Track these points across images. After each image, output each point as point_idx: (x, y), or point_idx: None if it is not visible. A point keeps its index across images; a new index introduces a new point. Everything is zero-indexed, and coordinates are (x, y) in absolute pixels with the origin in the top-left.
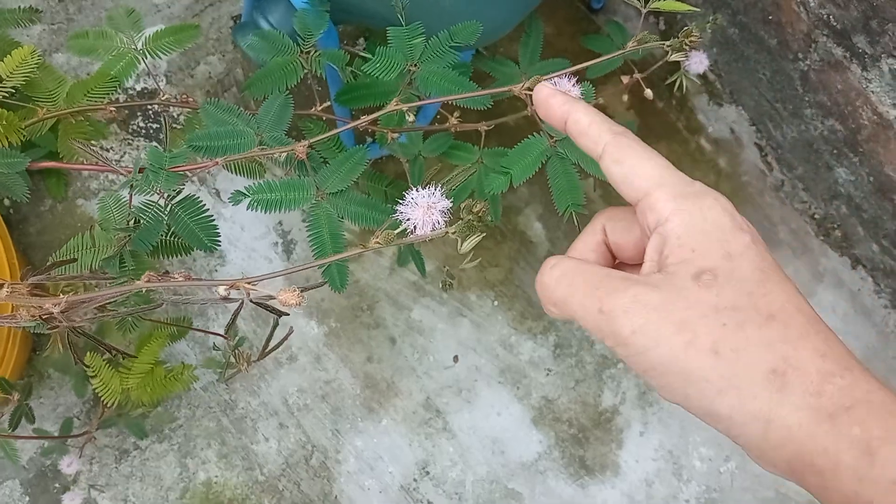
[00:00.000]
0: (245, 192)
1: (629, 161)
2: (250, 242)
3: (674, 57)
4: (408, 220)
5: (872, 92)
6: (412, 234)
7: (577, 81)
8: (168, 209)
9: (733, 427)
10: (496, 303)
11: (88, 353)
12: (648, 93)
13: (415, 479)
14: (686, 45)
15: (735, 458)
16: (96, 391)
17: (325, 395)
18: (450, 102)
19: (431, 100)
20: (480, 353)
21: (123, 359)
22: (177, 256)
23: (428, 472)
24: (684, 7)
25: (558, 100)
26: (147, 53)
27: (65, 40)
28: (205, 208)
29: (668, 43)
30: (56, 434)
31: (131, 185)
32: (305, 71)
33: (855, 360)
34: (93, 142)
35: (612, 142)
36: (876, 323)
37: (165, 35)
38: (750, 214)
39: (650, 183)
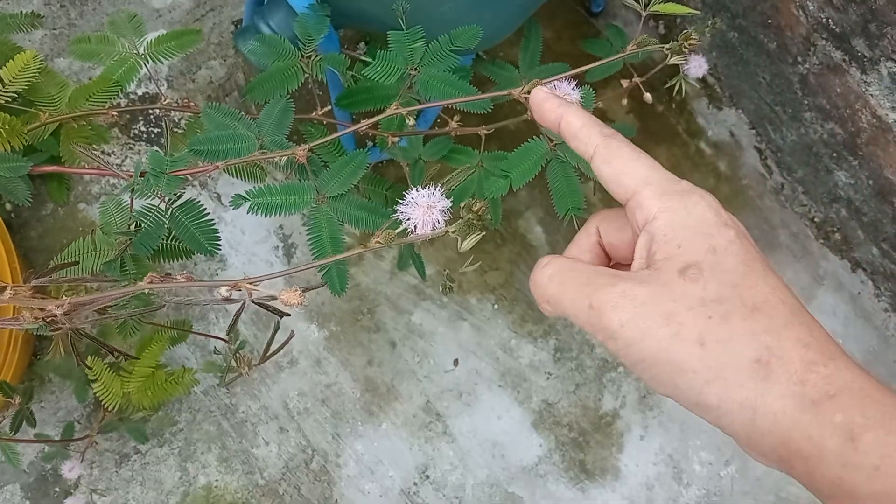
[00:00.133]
0: (246, 195)
1: (618, 162)
2: (251, 246)
3: (673, 60)
4: (408, 219)
5: (872, 95)
6: (412, 233)
7: (576, 85)
8: (169, 213)
9: (722, 416)
10: (496, 306)
11: (90, 357)
12: (648, 97)
13: (415, 483)
14: (685, 48)
15: (735, 463)
16: (97, 395)
17: (325, 398)
18: (450, 106)
19: (432, 103)
20: (481, 357)
21: (125, 360)
22: (178, 260)
23: (428, 476)
24: (683, 10)
25: (552, 103)
26: (149, 58)
27: (66, 45)
28: (206, 212)
29: (667, 46)
30: (57, 438)
31: (132, 189)
32: (306, 75)
33: (838, 349)
34: (94, 146)
35: (602, 144)
36: (876, 326)
37: (167, 40)
38: (750, 218)
39: (638, 182)
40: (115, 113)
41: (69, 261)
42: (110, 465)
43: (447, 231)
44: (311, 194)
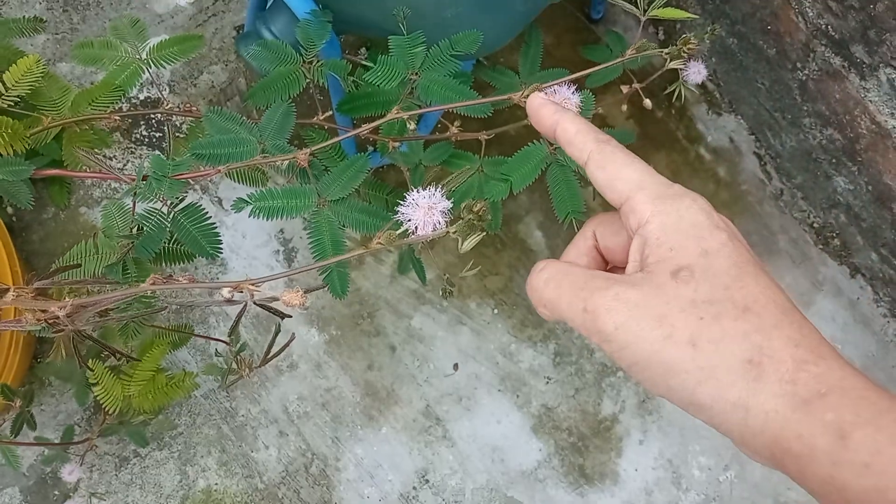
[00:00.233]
0: (248, 199)
1: (611, 167)
2: (252, 250)
3: (672, 64)
4: (409, 220)
5: (871, 101)
6: (414, 234)
7: (576, 90)
8: (171, 216)
9: (715, 416)
10: (496, 311)
11: (90, 360)
12: (648, 102)
13: (414, 488)
14: (684, 52)
15: (734, 468)
16: (98, 398)
17: (325, 402)
18: (451, 111)
19: (432, 108)
20: (480, 361)
21: (127, 363)
22: (179, 263)
23: (427, 481)
24: (683, 15)
25: (548, 109)
26: (151, 63)
27: (69, 50)
28: (207, 216)
29: (666, 50)
30: (57, 441)
31: (135, 193)
32: (307, 80)
33: (829, 348)
34: (96, 150)
35: (596, 149)
36: (875, 332)
37: (170, 45)
38: (749, 223)
39: (631, 186)
40: (117, 117)
41: (71, 263)
42: (110, 469)
43: (448, 232)
44: (312, 198)
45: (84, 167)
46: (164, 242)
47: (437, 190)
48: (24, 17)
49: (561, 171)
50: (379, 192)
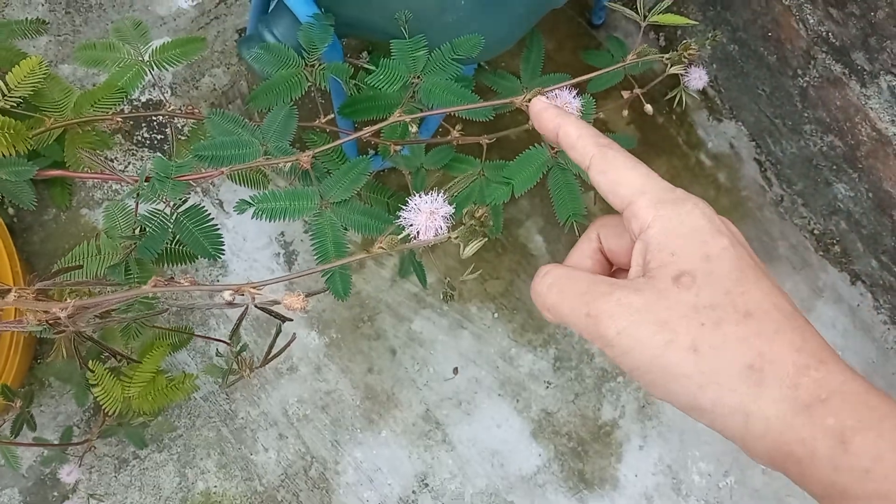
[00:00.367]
0: (250, 200)
1: (613, 171)
2: (252, 253)
3: (673, 70)
4: (411, 225)
5: (871, 108)
6: (415, 238)
7: (577, 94)
8: (174, 218)
9: (716, 420)
10: (496, 315)
11: (91, 361)
12: (648, 108)
13: (413, 492)
14: (685, 57)
15: (734, 474)
16: (98, 399)
17: (325, 405)
18: (452, 115)
19: (434, 111)
20: (480, 366)
21: (127, 365)
22: (181, 265)
23: (427, 485)
24: (683, 20)
25: (550, 113)
26: (153, 65)
27: (71, 51)
28: (210, 217)
29: (666, 56)
30: (56, 442)
31: (137, 194)
32: (309, 84)
33: (831, 353)
34: (98, 152)
35: (597, 154)
36: (875, 338)
37: (172, 47)
38: (749, 229)
39: (633, 191)
40: (119, 119)
41: (73, 264)
42: (109, 470)
43: (450, 237)
44: (314, 200)
45: (86, 168)
46: (167, 243)
47: (440, 195)
48: (26, 18)
49: (562, 174)
50: (380, 196)
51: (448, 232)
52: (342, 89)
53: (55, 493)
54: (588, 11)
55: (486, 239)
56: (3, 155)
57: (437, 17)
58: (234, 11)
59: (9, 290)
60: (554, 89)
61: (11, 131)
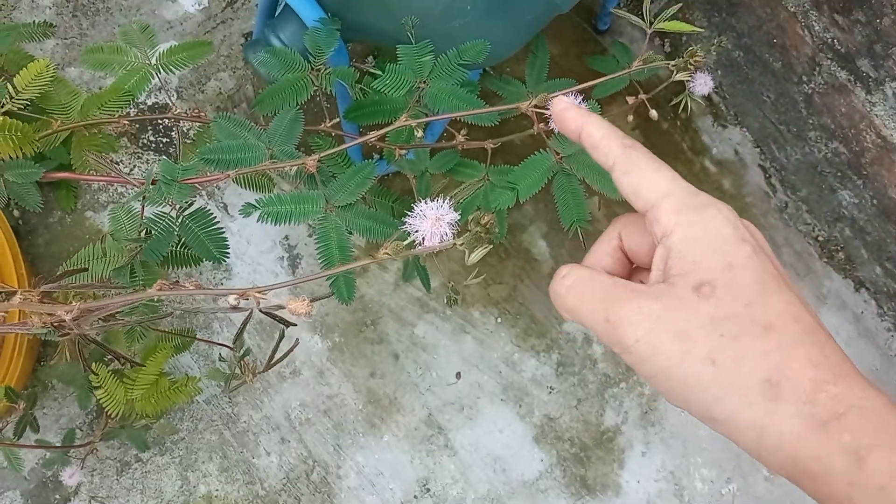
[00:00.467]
0: (256, 204)
1: (638, 173)
2: (256, 256)
3: (678, 76)
4: (416, 231)
5: (876, 115)
6: (421, 245)
7: (583, 100)
8: (179, 221)
9: (731, 432)
10: (499, 320)
11: (94, 364)
12: (653, 113)
13: (415, 497)
14: (690, 64)
15: (736, 480)
16: (101, 402)
17: (327, 409)
18: (457, 120)
19: (440, 116)
20: (483, 370)
21: (130, 367)
22: (186, 268)
23: (429, 490)
24: (688, 27)
25: (573, 113)
26: (160, 69)
27: (78, 54)
28: (215, 220)
29: (672, 63)
30: (58, 445)
31: (143, 197)
32: (315, 88)
33: (850, 367)
34: (104, 155)
35: (622, 154)
36: (879, 346)
37: (179, 51)
38: None
39: (657, 194)
40: (126, 122)
41: (78, 267)
42: (111, 473)
43: (455, 243)
44: (320, 203)
45: (92, 171)
46: (172, 246)
47: (445, 201)
48: (34, 21)
49: (567, 180)
50: (385, 200)
51: (453, 238)
52: (348, 93)
53: (57, 496)
54: (593, 17)
55: (492, 245)
56: (10, 157)
57: (443, 22)
58: (241, 16)
59: (14, 293)
60: (559, 95)
61: (18, 134)
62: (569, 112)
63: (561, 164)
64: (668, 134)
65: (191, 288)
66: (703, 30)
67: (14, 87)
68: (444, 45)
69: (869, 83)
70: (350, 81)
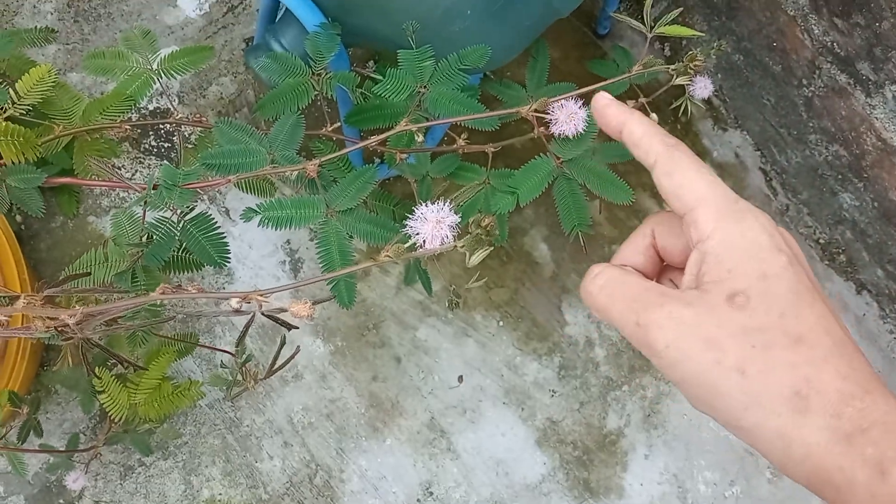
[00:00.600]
0: (257, 209)
1: (680, 174)
2: (258, 260)
3: (678, 80)
4: (417, 234)
5: (876, 118)
6: (422, 247)
7: (583, 104)
8: (181, 225)
9: (756, 441)
10: (501, 323)
11: (97, 368)
12: (654, 117)
13: (418, 500)
14: (690, 68)
15: (740, 483)
16: (104, 406)
17: (329, 413)
18: (458, 124)
19: (440, 121)
20: (485, 374)
21: (134, 372)
22: (187, 272)
23: (432, 493)
24: (689, 32)
25: (614, 109)
26: (162, 74)
27: (79, 60)
28: (217, 225)
29: (672, 67)
30: (62, 449)
31: (145, 202)
32: (316, 92)
33: (877, 382)
34: (106, 159)
35: (663, 153)
36: (881, 348)
37: (181, 56)
38: None
39: (695, 198)
40: (128, 127)
41: (81, 271)
42: (114, 478)
43: (456, 246)
44: (321, 208)
45: (94, 176)
46: (173, 251)
47: (446, 204)
48: (35, 27)
49: (567, 184)
50: (386, 204)
51: (454, 241)
52: (348, 98)
53: (61, 501)
54: (593, 21)
55: (492, 248)
56: (13, 162)
57: (443, 26)
58: (242, 21)
59: (17, 297)
60: (560, 99)
61: (21, 139)
62: (610, 108)
63: (561, 169)
64: None
65: (193, 291)
66: (702, 34)
67: (16, 93)
68: (444, 49)
69: (869, 86)
70: (351, 86)
